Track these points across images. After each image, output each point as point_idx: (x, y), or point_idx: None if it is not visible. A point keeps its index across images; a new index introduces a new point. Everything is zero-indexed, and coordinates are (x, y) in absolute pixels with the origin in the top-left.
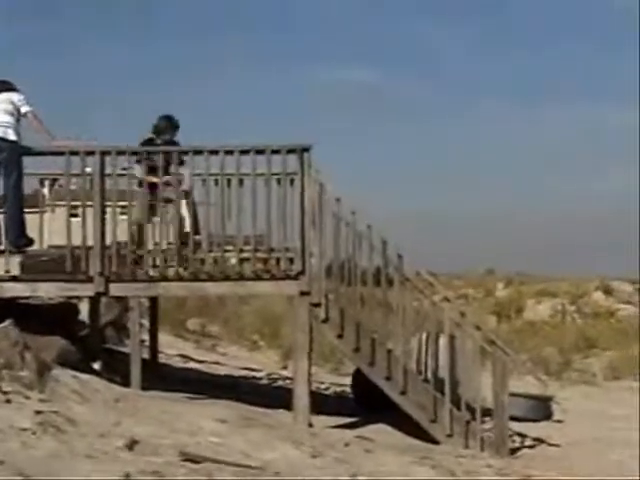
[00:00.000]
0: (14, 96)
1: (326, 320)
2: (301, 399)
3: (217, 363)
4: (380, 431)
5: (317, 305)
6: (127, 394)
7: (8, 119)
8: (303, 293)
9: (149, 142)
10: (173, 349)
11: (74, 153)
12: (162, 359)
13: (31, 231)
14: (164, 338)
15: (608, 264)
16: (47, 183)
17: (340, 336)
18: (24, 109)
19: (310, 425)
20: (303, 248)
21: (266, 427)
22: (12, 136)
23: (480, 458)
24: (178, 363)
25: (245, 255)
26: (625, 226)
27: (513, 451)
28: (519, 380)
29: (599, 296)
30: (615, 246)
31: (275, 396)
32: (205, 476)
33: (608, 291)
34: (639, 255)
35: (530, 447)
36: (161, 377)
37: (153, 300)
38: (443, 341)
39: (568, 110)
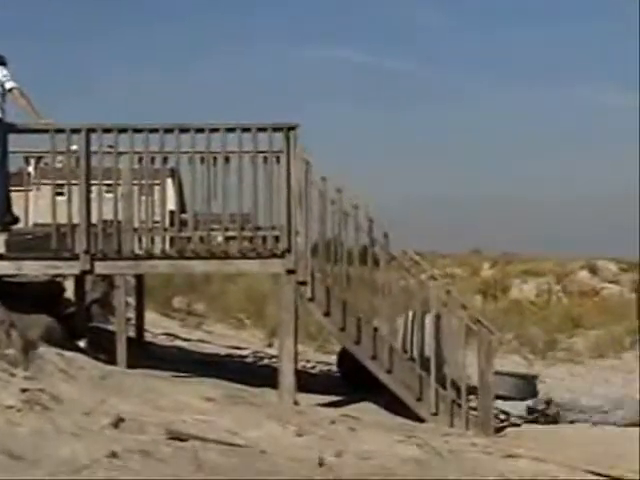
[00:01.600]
0: None
1: (312, 299)
2: (287, 377)
3: (203, 341)
4: (365, 409)
5: (303, 283)
6: (113, 372)
7: None
8: (289, 271)
9: None
10: (159, 327)
11: (60, 131)
12: (148, 337)
13: (16, 209)
14: (150, 316)
15: (595, 244)
16: (32, 161)
17: (326, 315)
18: (9, 85)
19: (296, 403)
20: (289, 226)
21: (252, 405)
22: None
23: (465, 436)
24: (164, 341)
25: (231, 233)
26: (623, 209)
27: (498, 429)
28: (505, 359)
29: (584, 275)
30: (610, 229)
31: (261, 374)
32: (191, 454)
33: (593, 270)
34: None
35: (515, 425)
36: (147, 355)
37: (139, 278)
38: (429, 320)
39: (560, 92)
